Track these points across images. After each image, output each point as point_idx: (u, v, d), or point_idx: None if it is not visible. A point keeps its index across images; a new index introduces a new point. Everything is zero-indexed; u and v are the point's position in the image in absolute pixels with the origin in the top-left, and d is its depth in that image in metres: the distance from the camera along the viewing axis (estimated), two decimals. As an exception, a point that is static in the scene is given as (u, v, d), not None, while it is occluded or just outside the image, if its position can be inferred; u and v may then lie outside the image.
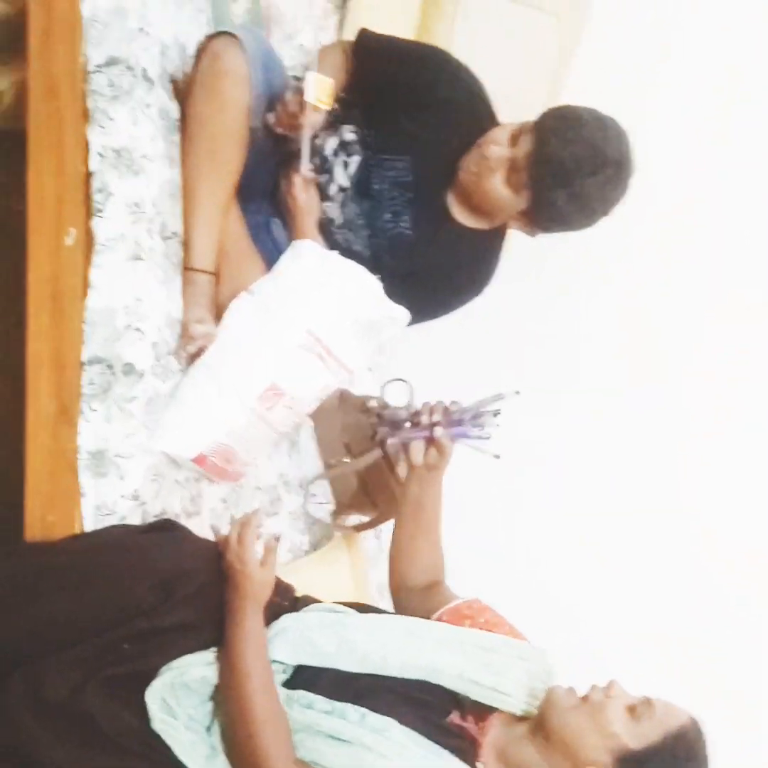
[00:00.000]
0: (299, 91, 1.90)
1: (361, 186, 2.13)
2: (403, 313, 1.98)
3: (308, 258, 1.92)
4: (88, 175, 1.74)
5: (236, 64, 1.83)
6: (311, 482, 2.36)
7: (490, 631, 1.79)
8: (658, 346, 2.97)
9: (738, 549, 2.90)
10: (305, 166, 1.99)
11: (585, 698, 1.65)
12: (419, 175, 2.12)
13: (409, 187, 2.13)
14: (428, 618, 1.82)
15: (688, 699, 1.67)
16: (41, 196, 1.73)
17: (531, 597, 2.84)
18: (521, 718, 1.71)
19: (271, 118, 1.95)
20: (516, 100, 2.20)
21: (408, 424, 1.84)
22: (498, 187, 2.06)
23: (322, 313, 1.88)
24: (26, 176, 1.75)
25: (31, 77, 1.75)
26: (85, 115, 1.74)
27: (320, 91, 1.83)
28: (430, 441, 1.82)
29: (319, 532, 2.50)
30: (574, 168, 1.98)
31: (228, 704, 1.62)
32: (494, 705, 1.71)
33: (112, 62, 1.73)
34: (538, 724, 1.67)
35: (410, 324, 2.04)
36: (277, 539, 1.69)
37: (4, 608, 1.64)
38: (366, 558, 2.59)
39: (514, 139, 2.03)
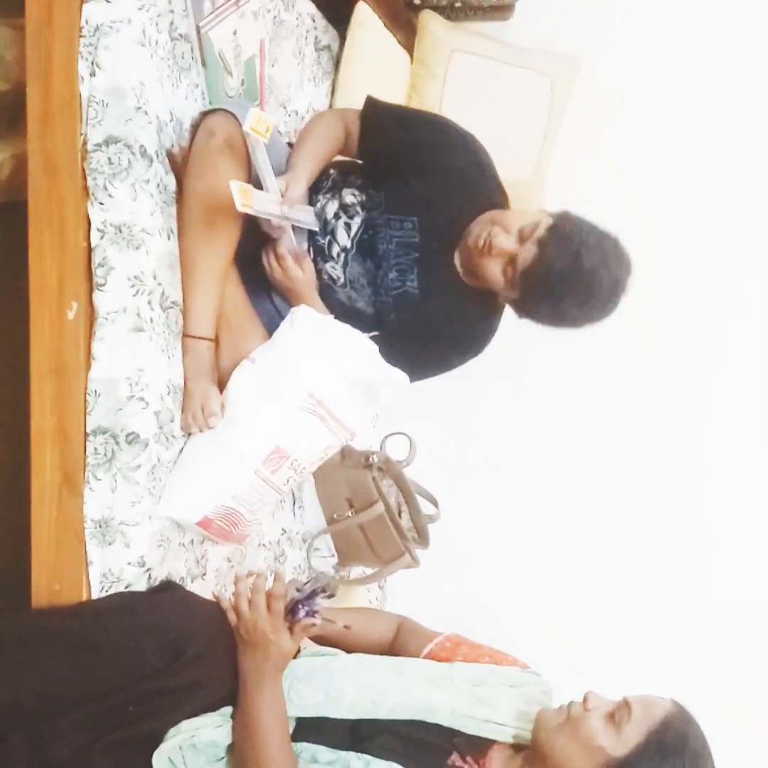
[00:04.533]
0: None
1: (364, 246, 2.16)
2: (400, 375, 1.99)
3: (305, 323, 1.94)
4: (89, 250, 1.76)
5: (231, 140, 1.84)
6: (314, 537, 2.39)
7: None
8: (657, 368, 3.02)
9: (739, 558, 2.94)
10: (290, 246, 2.00)
11: (567, 716, 1.64)
12: (426, 235, 2.14)
13: (416, 247, 2.15)
14: None
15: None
16: (43, 271, 1.76)
17: (534, 612, 2.93)
18: (521, 747, 1.70)
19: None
20: (506, 160, 2.23)
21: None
22: (495, 270, 2.09)
23: (322, 376, 1.90)
24: (26, 251, 1.77)
25: (31, 156, 1.76)
26: (85, 192, 1.76)
27: (257, 123, 1.78)
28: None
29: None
30: (565, 294, 2.02)
31: (244, 764, 1.63)
32: (490, 737, 1.71)
33: (111, 141, 1.75)
34: (533, 750, 1.66)
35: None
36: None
37: (10, 670, 1.65)
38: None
39: (523, 237, 2.05)
